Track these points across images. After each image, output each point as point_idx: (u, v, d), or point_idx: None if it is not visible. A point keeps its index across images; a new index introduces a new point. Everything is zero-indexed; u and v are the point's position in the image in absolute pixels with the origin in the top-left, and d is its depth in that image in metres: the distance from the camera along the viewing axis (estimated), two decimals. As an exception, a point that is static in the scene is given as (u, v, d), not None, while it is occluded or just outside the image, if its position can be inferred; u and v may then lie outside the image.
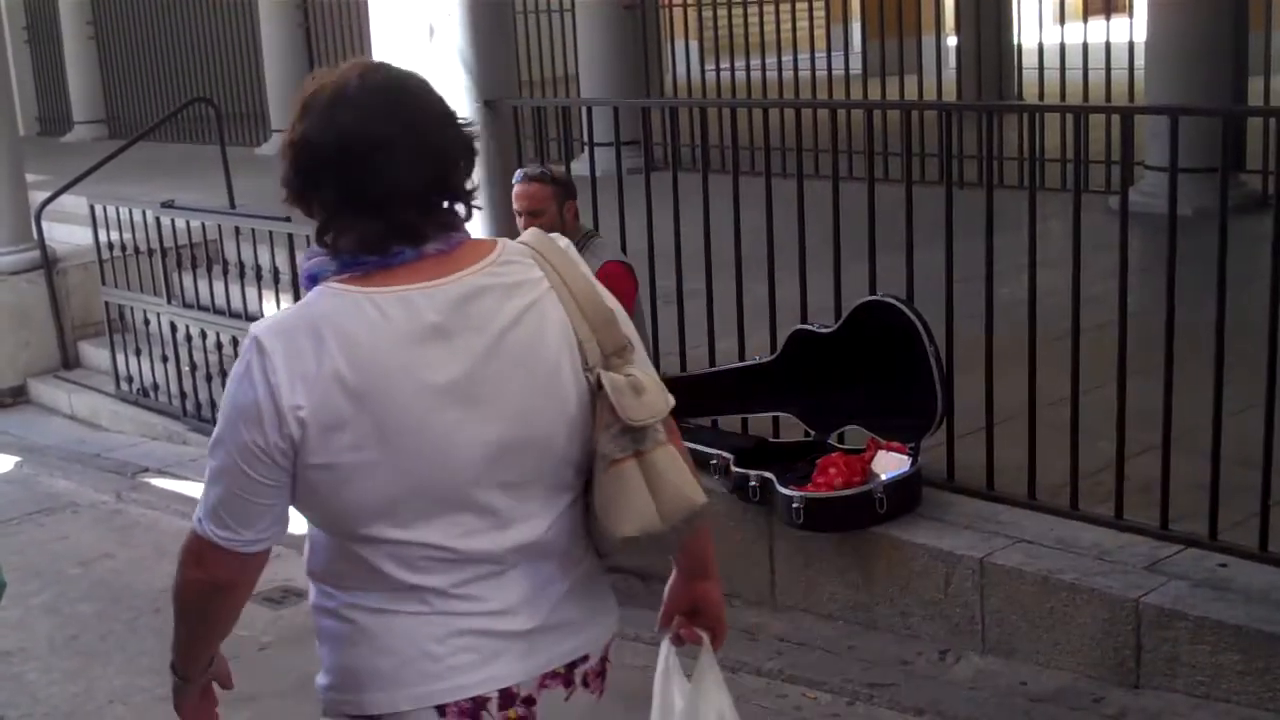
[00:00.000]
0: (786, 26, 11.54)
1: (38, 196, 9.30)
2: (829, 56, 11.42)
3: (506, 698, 2.03)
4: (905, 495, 4.51)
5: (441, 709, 2.00)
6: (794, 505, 4.48)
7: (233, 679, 2.28)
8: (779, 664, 4.40)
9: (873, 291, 4.80)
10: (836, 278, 4.93)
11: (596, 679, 2.16)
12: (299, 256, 7.25)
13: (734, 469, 4.74)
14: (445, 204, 2.05)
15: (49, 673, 4.90)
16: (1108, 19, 9.17)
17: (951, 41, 14.10)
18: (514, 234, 5.19)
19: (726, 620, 2.39)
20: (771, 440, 5.10)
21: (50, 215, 9.13)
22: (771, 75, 11.14)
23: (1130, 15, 12.24)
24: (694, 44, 14.77)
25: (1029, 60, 10.44)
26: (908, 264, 4.68)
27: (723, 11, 12.82)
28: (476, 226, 6.44)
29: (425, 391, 1.94)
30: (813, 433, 4.97)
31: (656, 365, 5.42)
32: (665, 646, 2.39)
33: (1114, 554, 4.16)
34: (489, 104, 5.51)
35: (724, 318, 5.31)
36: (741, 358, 5.27)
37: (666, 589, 2.37)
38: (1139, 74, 8.93)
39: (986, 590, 4.22)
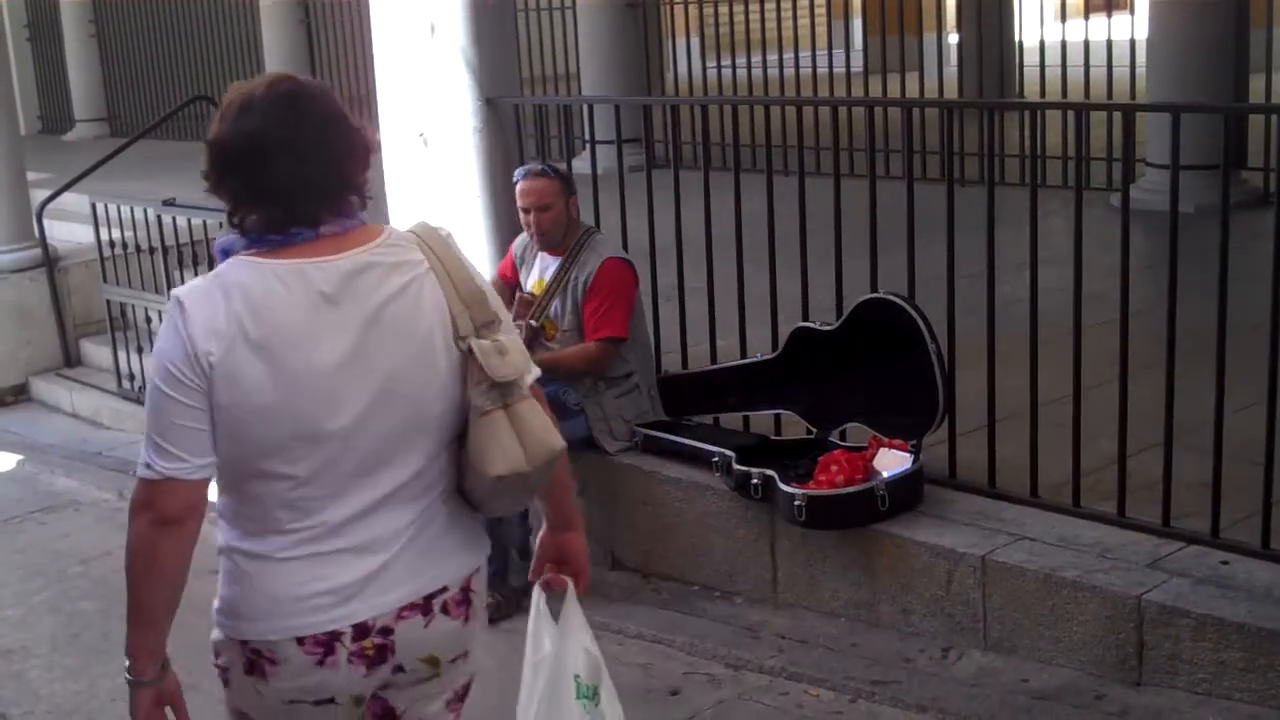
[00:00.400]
0: (788, 24, 11.52)
1: (39, 195, 9.30)
2: (830, 54, 11.42)
3: (361, 630, 2.37)
4: (907, 493, 4.51)
5: (301, 640, 2.34)
6: (796, 503, 4.48)
7: (187, 710, 2.46)
8: (781, 661, 4.40)
9: (874, 289, 4.80)
10: (838, 275, 4.93)
11: (458, 606, 2.48)
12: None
13: (736, 467, 4.74)
14: (340, 193, 2.36)
15: (51, 670, 4.90)
16: (1109, 16, 9.16)
17: (953, 39, 14.10)
18: (516, 231, 5.21)
19: (589, 568, 2.73)
20: (773, 438, 5.10)
21: (51, 213, 9.13)
22: (773, 73, 11.13)
23: (1131, 12, 12.23)
24: (695, 41, 14.75)
25: (1030, 58, 10.42)
26: (909, 261, 4.68)
27: (724, 9, 12.81)
28: (480, 223, 6.39)
29: (313, 349, 2.28)
30: (814, 430, 4.97)
31: (658, 363, 5.45)
32: (536, 593, 2.69)
33: (1116, 551, 4.15)
34: (490, 102, 5.51)
35: (725, 315, 5.31)
36: (743, 355, 5.27)
37: (536, 543, 2.71)
38: (1140, 71, 8.93)
39: (988, 588, 4.22)
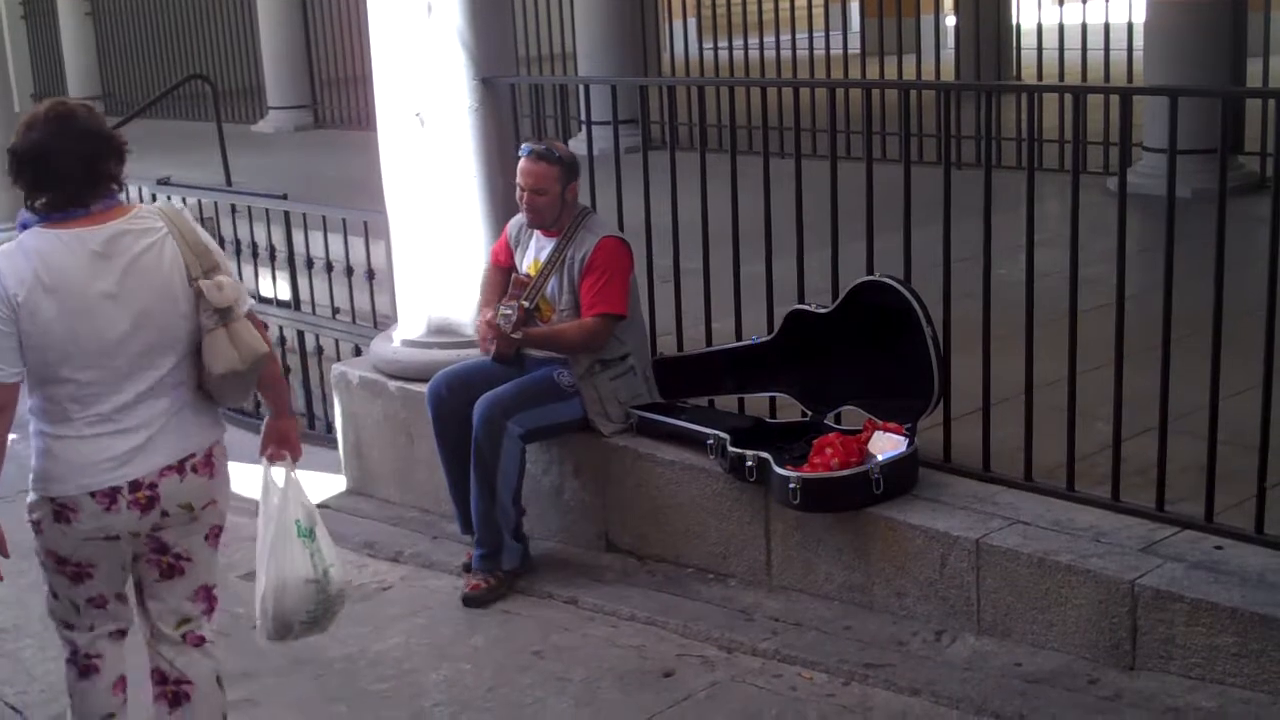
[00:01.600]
0: (785, 5, 11.50)
1: (33, 173, 9.24)
2: (827, 36, 11.40)
3: (134, 485, 3.37)
4: (902, 476, 4.51)
5: (93, 494, 3.36)
6: (790, 485, 4.47)
7: (7, 548, 3.48)
8: (774, 644, 4.40)
9: (870, 271, 4.79)
10: (834, 257, 4.92)
11: (204, 467, 3.48)
12: (296, 234, 7.23)
13: (730, 449, 4.73)
14: (102, 183, 3.32)
15: (45, 650, 4.89)
16: (1106, 0, 9.14)
17: (950, 21, 14.08)
18: (512, 210, 5.20)
19: (301, 447, 3.75)
20: (768, 420, 5.09)
21: (46, 192, 9.07)
22: (770, 54, 11.12)
23: (1129, -4, 12.19)
24: (692, 22, 14.72)
25: (1028, 40, 10.41)
26: (905, 244, 4.67)
27: (721, -10, 12.77)
28: (476, 202, 6.35)
29: (89, 290, 3.27)
30: (809, 413, 4.97)
31: (653, 345, 5.43)
32: (264, 465, 3.67)
33: (1110, 535, 4.16)
34: (486, 81, 5.49)
35: (721, 297, 5.30)
36: (738, 337, 5.27)
37: (263, 426, 3.74)
38: (1138, 55, 8.91)
39: (982, 571, 4.22)
